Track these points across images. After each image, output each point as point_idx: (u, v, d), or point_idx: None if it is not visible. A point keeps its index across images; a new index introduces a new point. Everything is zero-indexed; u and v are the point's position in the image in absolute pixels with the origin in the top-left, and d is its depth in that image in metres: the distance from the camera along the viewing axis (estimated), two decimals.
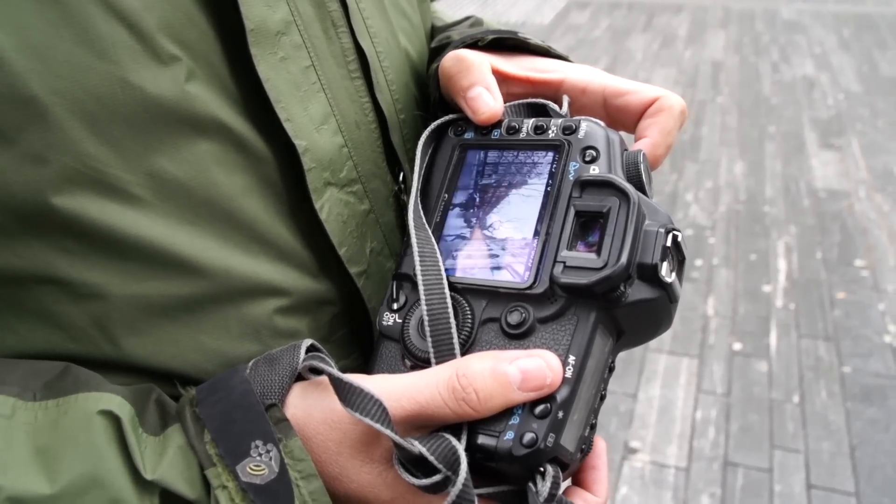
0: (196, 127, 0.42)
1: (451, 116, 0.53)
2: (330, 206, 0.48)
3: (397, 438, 0.37)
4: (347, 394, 0.38)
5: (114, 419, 0.38)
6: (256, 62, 0.43)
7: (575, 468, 0.45)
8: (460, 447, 0.37)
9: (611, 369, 0.45)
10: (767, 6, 6.23)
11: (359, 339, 0.54)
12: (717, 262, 2.96)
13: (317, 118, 0.47)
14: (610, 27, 5.82)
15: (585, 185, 0.44)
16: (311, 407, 0.41)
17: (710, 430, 2.21)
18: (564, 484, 0.47)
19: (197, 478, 0.39)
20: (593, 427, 0.44)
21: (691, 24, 5.80)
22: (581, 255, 0.42)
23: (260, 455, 0.38)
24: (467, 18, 0.67)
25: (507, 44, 0.57)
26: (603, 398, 0.44)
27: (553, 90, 0.54)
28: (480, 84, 0.50)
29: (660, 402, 2.33)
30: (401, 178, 0.56)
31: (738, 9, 6.16)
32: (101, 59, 0.37)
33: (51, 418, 0.37)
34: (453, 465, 0.37)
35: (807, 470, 2.06)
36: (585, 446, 0.44)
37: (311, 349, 0.44)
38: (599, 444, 0.47)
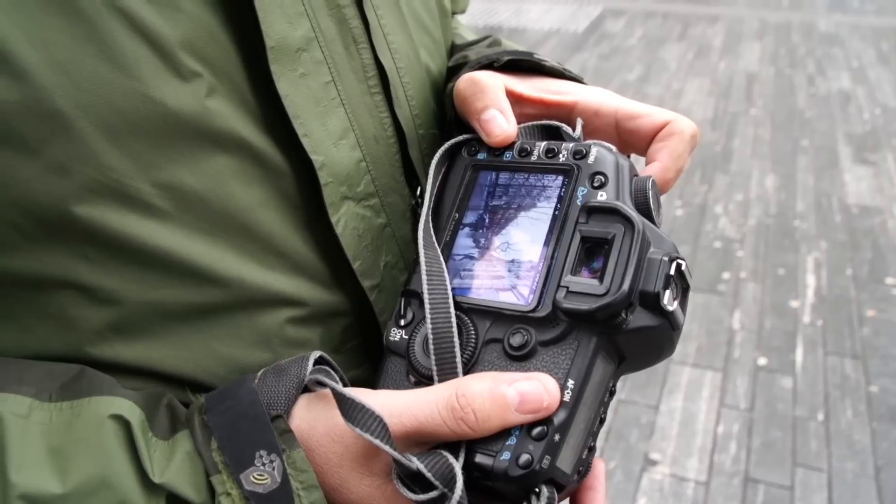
0: (215, 141, 0.43)
1: (464, 137, 0.53)
2: (346, 220, 0.49)
3: (396, 454, 0.38)
4: (349, 409, 0.39)
5: (124, 423, 0.39)
6: (276, 78, 0.44)
7: (573, 489, 0.46)
8: (457, 465, 0.38)
9: (611, 393, 0.45)
10: (805, 18, 6.15)
11: (371, 350, 0.55)
12: (744, 275, 2.93)
13: (335, 133, 0.48)
14: (644, 36, 5.79)
15: (592, 210, 0.45)
16: (316, 419, 0.42)
17: (732, 445, 2.19)
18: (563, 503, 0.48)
19: (203, 483, 0.40)
20: (591, 449, 0.44)
21: (727, 35, 5.74)
22: (584, 281, 0.43)
23: (264, 465, 0.39)
24: (486, 38, 0.68)
25: (523, 65, 0.57)
26: (602, 421, 0.45)
27: (567, 112, 0.55)
28: (494, 107, 0.51)
29: (682, 414, 2.31)
30: (418, 192, 0.56)
31: (774, 20, 6.09)
32: (124, 74, 0.38)
33: (65, 419, 0.39)
34: (450, 483, 0.38)
35: (829, 489, 2.03)
36: (583, 468, 0.44)
37: (319, 361, 0.45)
38: (598, 465, 0.48)
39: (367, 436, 0.38)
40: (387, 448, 0.38)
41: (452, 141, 0.53)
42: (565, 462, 0.41)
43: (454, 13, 0.78)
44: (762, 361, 2.50)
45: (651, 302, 0.42)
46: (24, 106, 0.36)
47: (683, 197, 3.47)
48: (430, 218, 0.50)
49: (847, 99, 4.53)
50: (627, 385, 2.42)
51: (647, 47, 5.53)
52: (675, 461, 2.15)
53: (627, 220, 0.43)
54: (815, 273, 2.93)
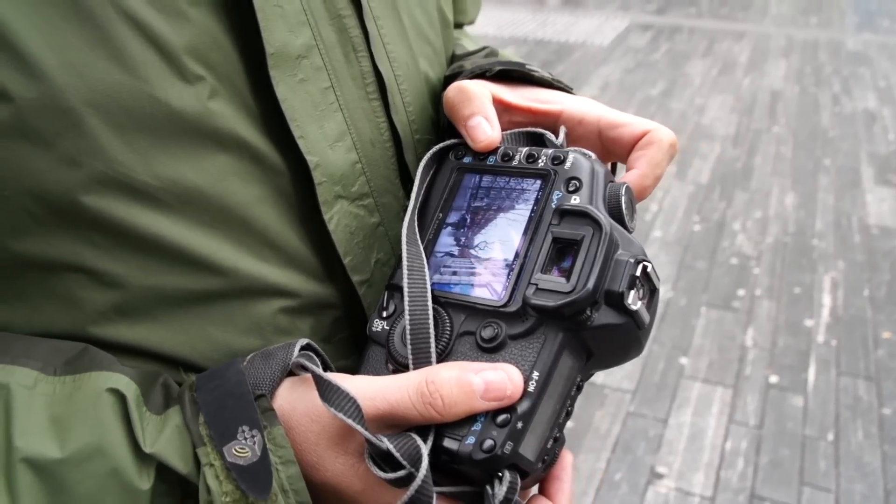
0: (217, 140, 0.46)
1: (452, 141, 0.56)
2: (339, 217, 0.52)
3: (367, 434, 0.40)
4: (327, 391, 0.42)
5: (120, 397, 0.42)
6: (275, 83, 0.47)
7: (539, 477, 0.48)
8: (424, 447, 0.41)
9: (579, 388, 0.47)
10: (833, 36, 6.11)
11: (359, 343, 0.57)
12: (759, 293, 2.92)
13: (332, 136, 0.51)
14: (670, 51, 5.79)
15: (564, 213, 0.47)
16: (297, 400, 0.45)
17: (739, 462, 2.19)
18: (532, 491, 0.50)
19: (190, 455, 0.42)
20: (557, 440, 0.46)
21: (752, 52, 5.72)
22: (552, 279, 0.45)
23: (245, 439, 0.42)
24: (483, 48, 0.70)
25: (514, 75, 0.60)
26: (569, 414, 0.47)
27: (553, 120, 0.57)
28: (480, 114, 0.54)
29: (690, 429, 2.31)
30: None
31: (801, 38, 6.06)
32: (132, 76, 0.41)
33: (67, 392, 0.42)
34: (417, 463, 0.40)
35: None
36: (548, 457, 0.46)
37: (305, 348, 0.48)
38: (566, 456, 0.50)
39: (342, 416, 0.41)
40: (359, 428, 0.40)
41: (440, 145, 0.56)
42: (529, 449, 0.43)
43: (462, 25, 0.81)
44: (774, 379, 2.50)
45: (616, 301, 0.44)
46: (40, 103, 0.39)
47: (702, 213, 3.47)
48: (415, 217, 0.53)
49: (872, 119, 4.50)
50: (637, 398, 2.43)
51: (672, 62, 5.53)
52: (681, 475, 2.15)
53: (596, 223, 0.45)
54: (831, 293, 2.92)
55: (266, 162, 0.49)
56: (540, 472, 0.46)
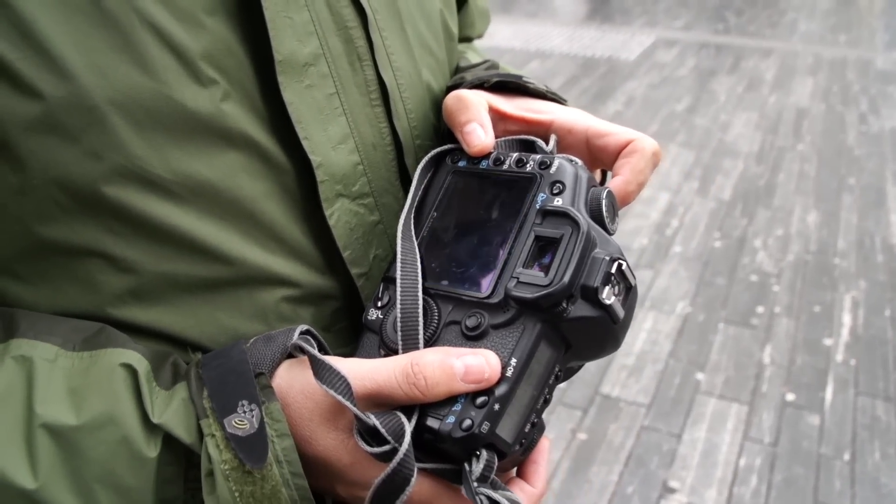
0: (227, 139, 0.49)
1: (448, 146, 0.60)
2: (339, 214, 0.56)
3: (356, 410, 0.44)
4: (320, 370, 0.45)
5: (132, 371, 0.46)
6: (282, 88, 0.51)
7: (517, 460, 0.51)
8: (408, 424, 0.44)
9: (557, 377, 0.50)
10: (861, 55, 6.06)
11: (357, 333, 0.60)
12: (778, 310, 2.91)
13: (335, 138, 0.55)
14: (696, 67, 5.78)
15: (546, 213, 0.51)
16: (293, 379, 0.48)
17: (753, 479, 2.19)
18: (511, 474, 0.53)
19: (194, 426, 0.46)
20: (535, 426, 0.49)
21: (779, 69, 5.70)
22: (532, 273, 0.48)
23: (245, 412, 0.45)
24: (486, 61, 0.74)
25: (510, 86, 0.64)
26: (547, 401, 0.50)
27: (545, 129, 0.61)
28: (475, 121, 0.58)
29: (704, 444, 2.31)
30: None
31: (829, 56, 6.02)
32: (152, 79, 0.45)
33: (84, 366, 0.46)
34: (400, 439, 0.44)
35: None
36: (525, 441, 0.49)
37: (304, 333, 0.51)
38: (543, 442, 0.53)
39: (333, 392, 0.44)
40: (348, 404, 0.44)
41: (437, 149, 0.60)
42: (505, 431, 0.46)
43: (471, 38, 0.85)
44: (790, 397, 2.49)
45: (591, 295, 0.47)
46: (67, 101, 0.43)
47: (723, 229, 3.46)
48: (411, 215, 0.56)
49: None
50: (651, 412, 2.43)
51: (698, 78, 5.52)
52: (693, 490, 2.16)
53: (575, 223, 0.49)
54: (851, 312, 2.90)
55: (273, 160, 0.52)
56: (518, 454, 0.49)
